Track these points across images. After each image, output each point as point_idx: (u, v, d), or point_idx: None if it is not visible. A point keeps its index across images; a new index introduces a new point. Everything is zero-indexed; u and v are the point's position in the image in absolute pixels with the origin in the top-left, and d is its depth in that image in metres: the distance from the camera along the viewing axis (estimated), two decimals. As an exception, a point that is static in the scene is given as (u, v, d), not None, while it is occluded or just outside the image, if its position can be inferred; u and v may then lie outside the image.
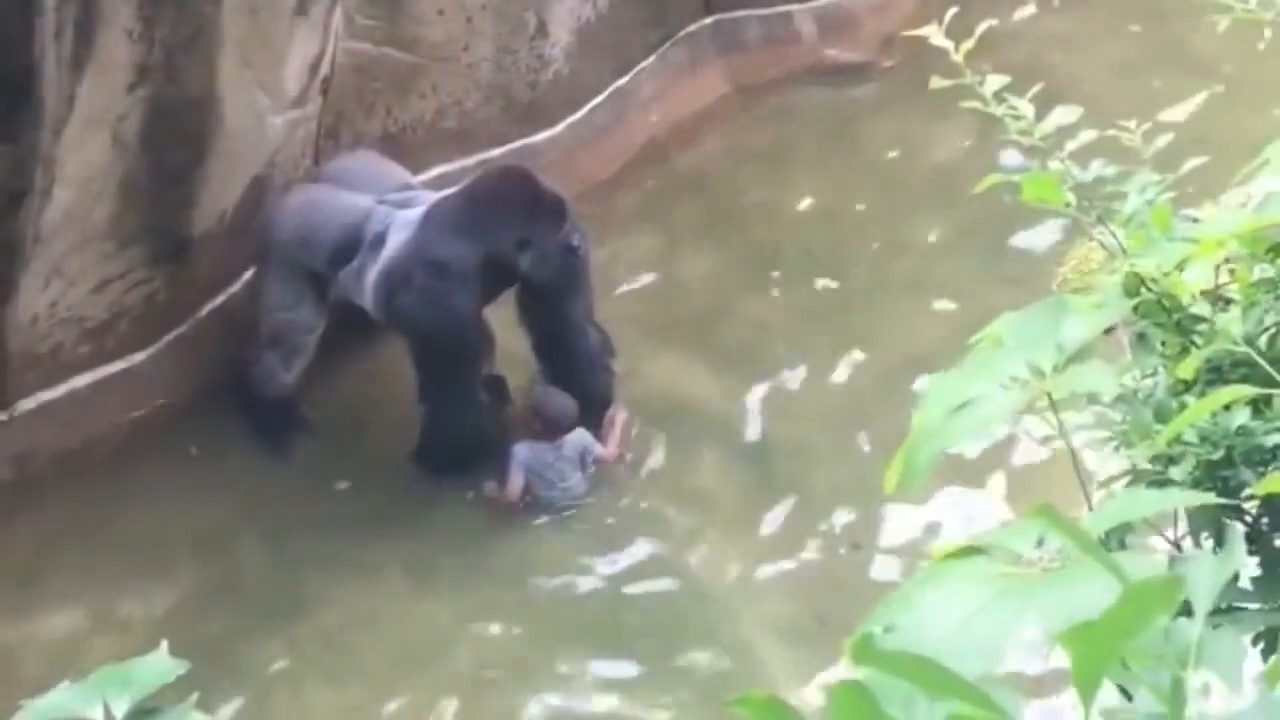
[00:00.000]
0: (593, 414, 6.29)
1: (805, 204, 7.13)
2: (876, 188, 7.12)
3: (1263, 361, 1.78)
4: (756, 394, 6.52)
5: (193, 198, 6.12)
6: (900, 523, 6.04)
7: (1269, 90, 6.53)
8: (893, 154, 7.06)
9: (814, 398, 6.49)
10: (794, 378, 6.55)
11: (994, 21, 7.86)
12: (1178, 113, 7.14)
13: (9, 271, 5.74)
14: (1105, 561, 1.35)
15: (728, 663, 5.74)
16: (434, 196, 6.20)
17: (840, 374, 6.54)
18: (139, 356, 6.26)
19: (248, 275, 6.41)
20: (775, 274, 6.88)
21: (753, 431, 6.41)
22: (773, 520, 6.17)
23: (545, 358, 6.34)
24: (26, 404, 6.05)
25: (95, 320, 6.10)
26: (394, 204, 6.17)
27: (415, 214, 6.09)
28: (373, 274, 6.08)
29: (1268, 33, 2.65)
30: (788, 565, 6.05)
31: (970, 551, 1.56)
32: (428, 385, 6.15)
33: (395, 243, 6.04)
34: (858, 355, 6.60)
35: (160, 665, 1.82)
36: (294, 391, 6.33)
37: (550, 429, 6.18)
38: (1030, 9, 7.93)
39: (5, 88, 5.41)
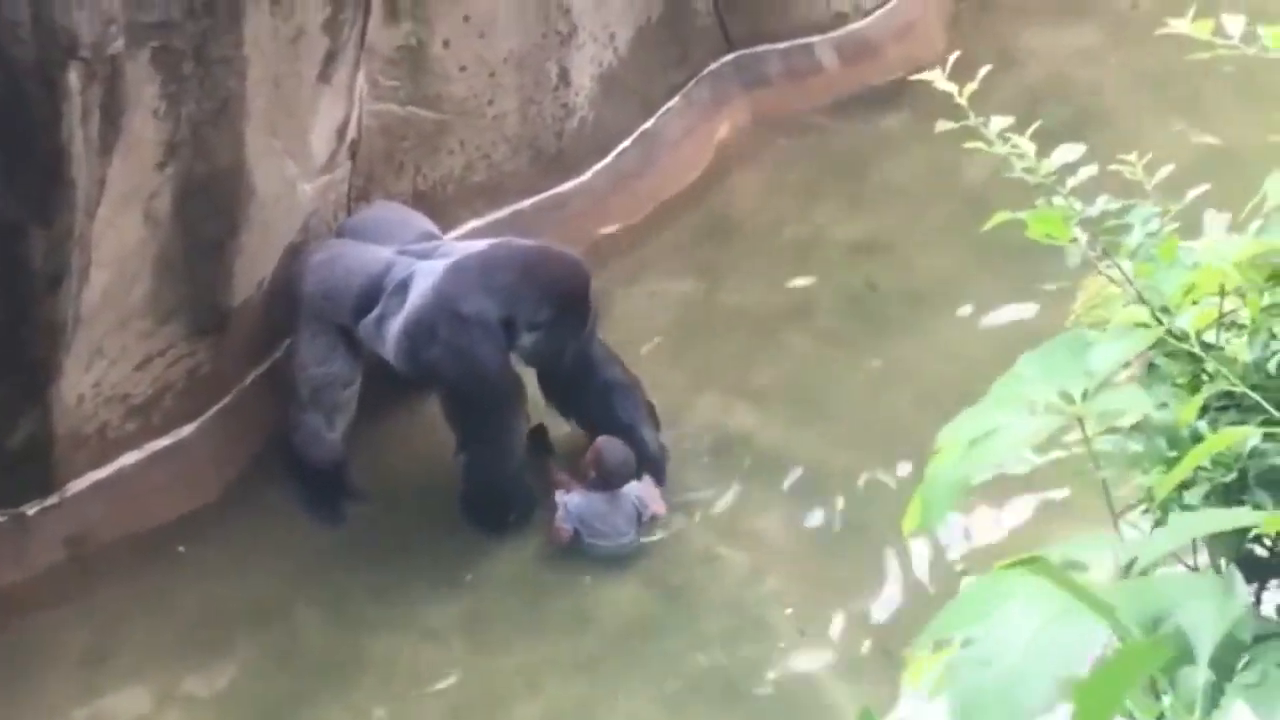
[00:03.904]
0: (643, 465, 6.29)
1: (839, 236, 7.12)
2: (910, 216, 7.10)
3: (1255, 396, 1.78)
4: (804, 429, 6.50)
5: (229, 269, 6.16)
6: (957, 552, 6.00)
7: None
8: (923, 181, 7.04)
9: (862, 431, 6.46)
10: (840, 411, 6.53)
11: (1008, 46, 7.85)
12: (1200, 122, 7.11)
13: (52, 354, 5.77)
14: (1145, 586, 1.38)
15: (798, 703, 5.71)
16: (455, 247, 6.21)
17: (886, 405, 6.51)
18: (186, 430, 6.29)
19: (288, 342, 6.44)
20: (813, 308, 6.87)
21: (803, 467, 6.38)
22: (831, 556, 6.14)
23: (575, 408, 6.37)
24: (77, 484, 6.07)
25: (140, 397, 6.13)
26: (415, 254, 6.16)
27: (437, 265, 6.08)
28: (395, 324, 6.06)
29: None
30: (850, 601, 6.01)
31: (1030, 563, 1.60)
32: (463, 438, 6.15)
33: (418, 293, 6.04)
34: (902, 386, 6.57)
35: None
36: (340, 452, 6.32)
37: (607, 481, 6.16)
38: (1054, 23, 7.92)
39: (37, 172, 5.44)
